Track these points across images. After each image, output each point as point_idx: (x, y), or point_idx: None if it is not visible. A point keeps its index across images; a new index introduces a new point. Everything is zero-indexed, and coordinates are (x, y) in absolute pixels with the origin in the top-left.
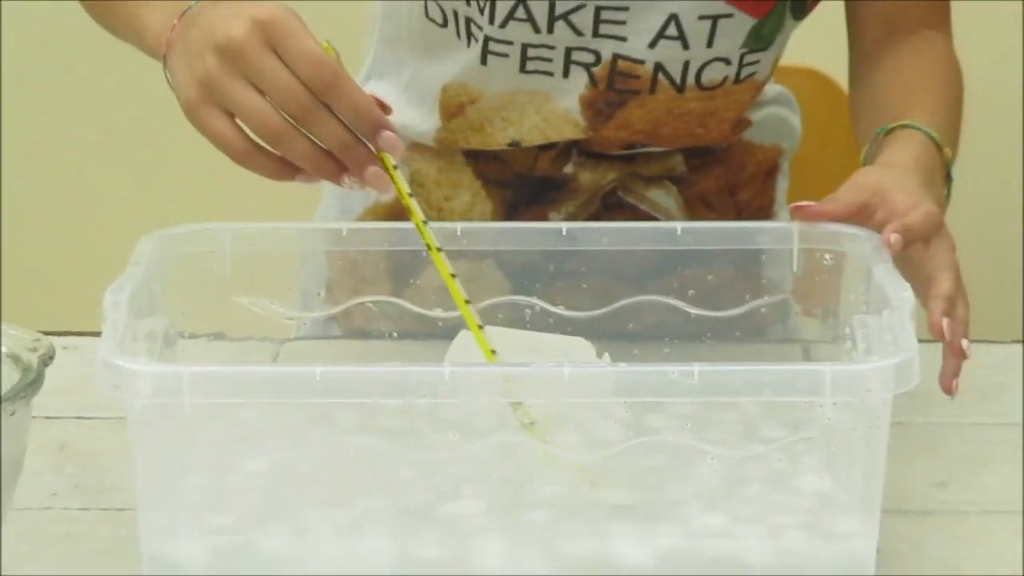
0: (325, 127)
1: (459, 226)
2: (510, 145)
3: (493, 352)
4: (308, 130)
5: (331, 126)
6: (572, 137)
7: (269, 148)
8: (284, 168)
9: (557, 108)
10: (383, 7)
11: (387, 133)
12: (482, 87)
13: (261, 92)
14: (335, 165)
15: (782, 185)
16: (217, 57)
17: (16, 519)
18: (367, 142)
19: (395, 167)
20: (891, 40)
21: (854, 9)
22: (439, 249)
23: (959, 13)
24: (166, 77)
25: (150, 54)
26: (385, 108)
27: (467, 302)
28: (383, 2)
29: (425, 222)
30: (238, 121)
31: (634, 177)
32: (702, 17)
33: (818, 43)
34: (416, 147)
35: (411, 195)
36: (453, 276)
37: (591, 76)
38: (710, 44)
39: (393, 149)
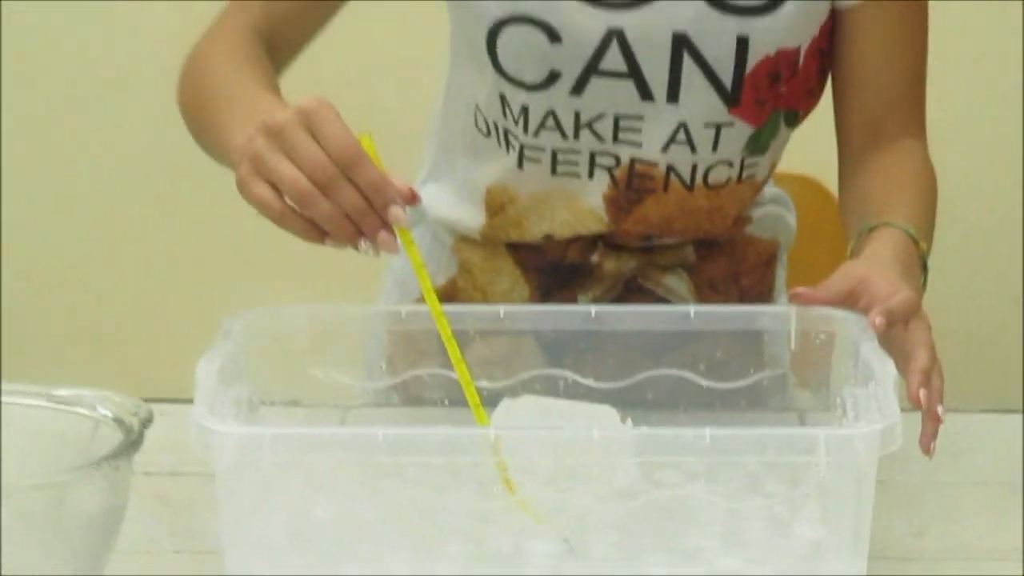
0: (345, 195)
1: (501, 308)
2: (544, 238)
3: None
4: (331, 197)
5: (350, 195)
6: (597, 230)
7: (301, 212)
8: (314, 230)
9: (583, 205)
10: (441, 120)
11: (396, 208)
12: (519, 188)
13: (297, 166)
14: (352, 230)
15: (780, 274)
16: (264, 136)
17: (119, 561)
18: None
19: (413, 241)
20: (874, 148)
21: (842, 121)
22: (442, 314)
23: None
24: None
25: (234, 169)
26: (414, 198)
27: (462, 360)
28: (441, 115)
29: (446, 312)
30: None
31: (651, 266)
32: (707, 125)
33: (811, 153)
34: (465, 239)
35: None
36: (452, 336)
37: (612, 177)
38: (715, 149)
39: (399, 222)
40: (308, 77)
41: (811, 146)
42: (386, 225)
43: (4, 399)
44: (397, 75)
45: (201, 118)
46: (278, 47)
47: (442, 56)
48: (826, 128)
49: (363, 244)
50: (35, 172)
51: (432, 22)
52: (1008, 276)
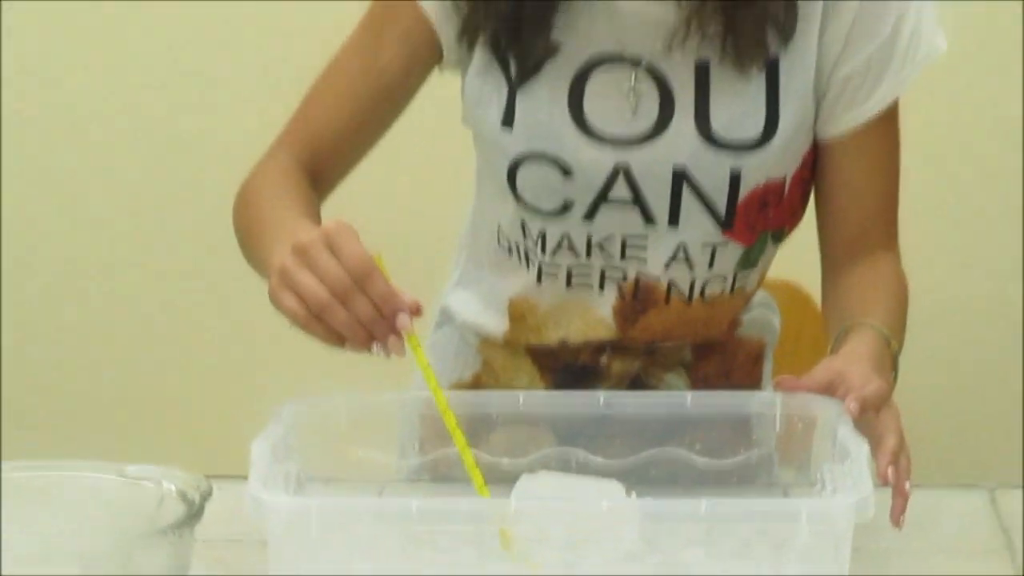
0: (358, 305)
1: (521, 395)
2: (560, 342)
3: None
4: (346, 307)
5: (363, 305)
6: (606, 337)
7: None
8: (333, 335)
9: (595, 316)
10: (470, 235)
11: (403, 317)
12: (539, 300)
13: (319, 280)
14: (366, 335)
15: (767, 368)
16: (292, 254)
17: None
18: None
19: (419, 345)
20: (852, 261)
21: (824, 238)
22: (448, 408)
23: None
24: None
25: None
26: (419, 310)
27: (467, 445)
28: (470, 231)
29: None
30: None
31: (653, 365)
32: (704, 246)
33: (793, 262)
34: (489, 341)
35: (430, 365)
36: (457, 426)
37: (620, 291)
38: (711, 266)
39: (405, 329)
40: (356, 192)
41: (793, 256)
42: (395, 331)
43: (81, 473)
44: (429, 193)
45: (249, 241)
46: (322, 176)
47: (472, 178)
48: (806, 240)
49: (375, 348)
50: (108, 263)
51: (464, 148)
52: (977, 362)
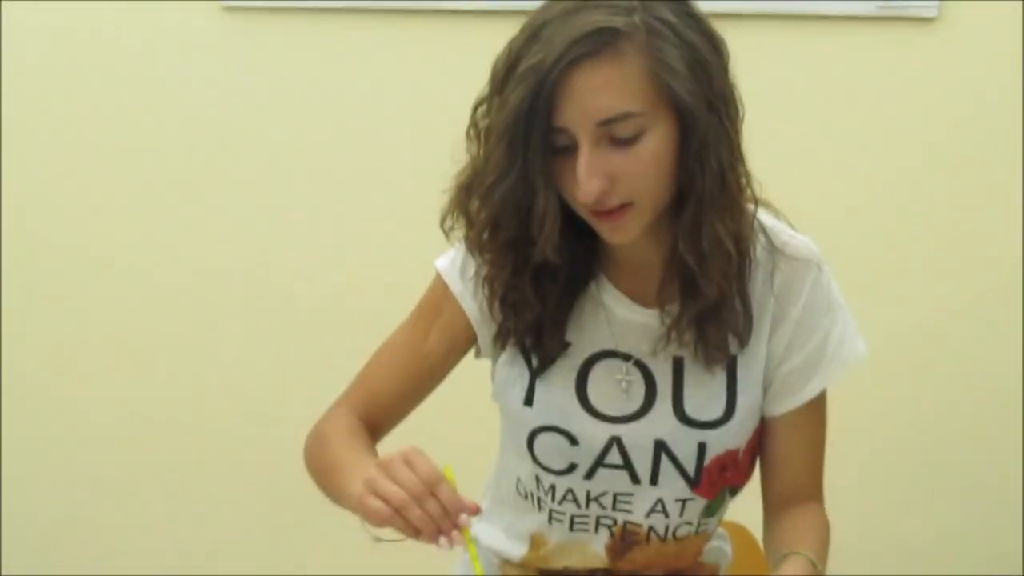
0: (430, 505)
1: None
2: (564, 568)
3: None
4: (421, 507)
5: (432, 506)
6: (599, 567)
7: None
8: (410, 528)
9: (590, 551)
10: (495, 483)
11: (463, 516)
12: (549, 537)
13: (399, 486)
14: (435, 529)
15: None
16: (376, 469)
17: None
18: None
19: (473, 539)
20: (787, 507)
21: (766, 490)
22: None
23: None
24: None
25: (353, 512)
26: (477, 510)
27: None
28: (495, 477)
29: None
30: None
31: None
32: (676, 500)
33: (740, 508)
34: (508, 563)
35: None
36: None
37: (611, 533)
38: (681, 515)
39: (464, 525)
40: (418, 426)
41: (741, 504)
42: (456, 527)
43: None
44: (463, 448)
45: (324, 478)
46: (377, 428)
47: (496, 439)
48: (750, 494)
49: (441, 540)
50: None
51: (491, 416)
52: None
